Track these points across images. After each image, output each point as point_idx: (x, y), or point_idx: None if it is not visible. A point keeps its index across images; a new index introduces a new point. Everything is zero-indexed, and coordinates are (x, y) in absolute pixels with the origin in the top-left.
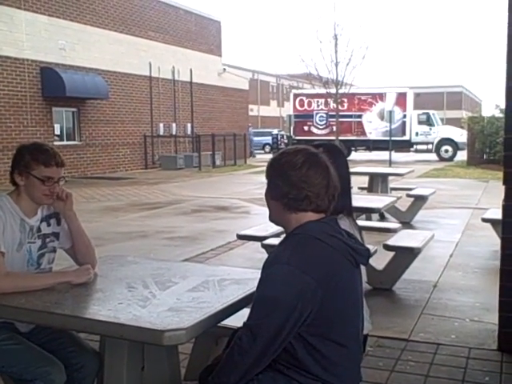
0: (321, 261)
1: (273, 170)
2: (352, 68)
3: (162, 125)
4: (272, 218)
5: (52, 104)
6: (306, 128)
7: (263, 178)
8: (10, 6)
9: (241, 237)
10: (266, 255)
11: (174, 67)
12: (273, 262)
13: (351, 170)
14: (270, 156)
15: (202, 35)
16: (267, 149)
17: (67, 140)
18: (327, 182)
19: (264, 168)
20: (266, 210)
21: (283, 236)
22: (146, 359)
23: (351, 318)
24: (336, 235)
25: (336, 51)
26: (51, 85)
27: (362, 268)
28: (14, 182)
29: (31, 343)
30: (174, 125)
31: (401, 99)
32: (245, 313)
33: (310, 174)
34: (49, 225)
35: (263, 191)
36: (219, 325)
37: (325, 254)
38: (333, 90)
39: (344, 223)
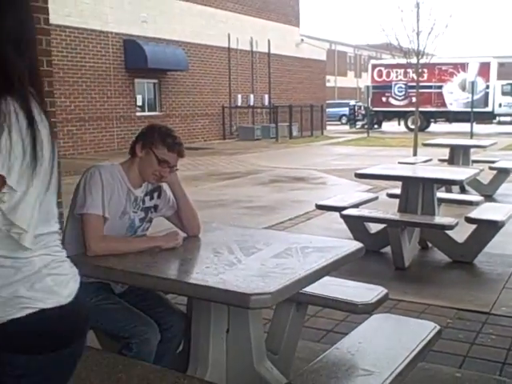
0: None
1: None
2: (434, 37)
3: (239, 96)
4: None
5: (134, 76)
6: (384, 99)
7: (341, 149)
8: None
9: (320, 207)
10: (344, 226)
11: (252, 38)
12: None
13: (431, 141)
14: (346, 128)
15: (281, 6)
16: (344, 120)
17: (148, 111)
18: None
19: (342, 140)
20: (343, 181)
21: (362, 207)
22: (231, 322)
23: None
24: None
25: (418, 20)
26: (134, 57)
27: None
28: (133, 152)
29: (127, 303)
30: (251, 96)
31: (484, 69)
32: (326, 280)
33: None
34: (152, 198)
35: (340, 162)
36: (300, 291)
37: None
38: (413, 60)
39: None
